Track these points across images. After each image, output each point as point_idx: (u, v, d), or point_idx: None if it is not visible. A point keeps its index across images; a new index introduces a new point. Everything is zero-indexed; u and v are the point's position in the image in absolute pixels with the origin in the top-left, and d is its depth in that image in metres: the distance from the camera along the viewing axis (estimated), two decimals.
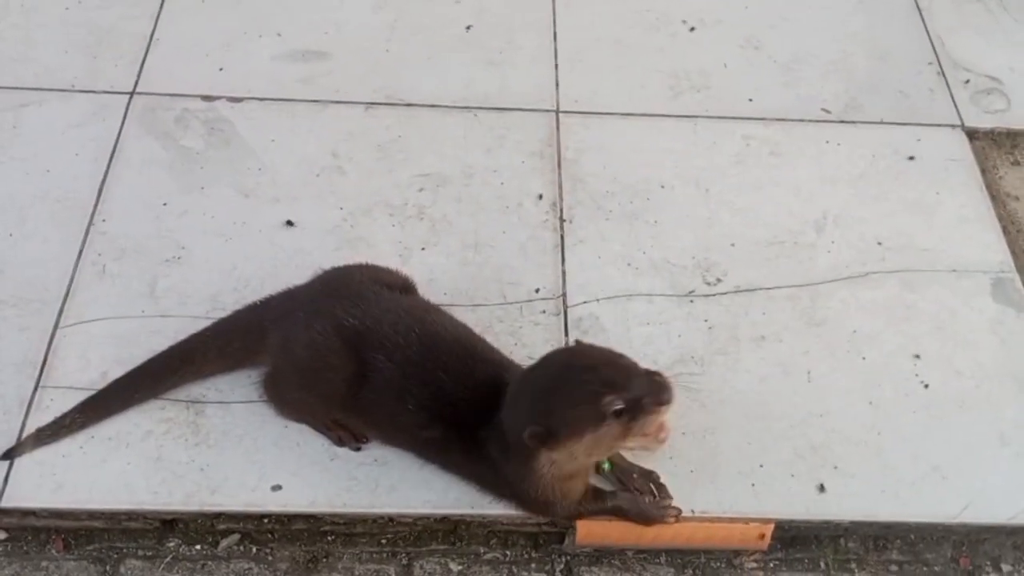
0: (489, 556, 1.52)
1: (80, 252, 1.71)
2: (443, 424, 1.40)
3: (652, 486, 1.48)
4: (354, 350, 1.42)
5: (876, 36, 2.21)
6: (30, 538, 1.49)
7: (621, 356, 1.32)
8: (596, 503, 1.45)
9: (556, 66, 2.09)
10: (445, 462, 1.47)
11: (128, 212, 1.77)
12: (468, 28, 2.15)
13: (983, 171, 1.98)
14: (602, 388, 1.27)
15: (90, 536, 1.50)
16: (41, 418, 1.51)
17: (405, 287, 1.57)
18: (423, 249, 1.77)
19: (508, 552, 1.53)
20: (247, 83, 1.99)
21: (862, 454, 1.56)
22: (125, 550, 1.49)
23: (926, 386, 1.64)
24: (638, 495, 1.46)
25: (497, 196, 1.86)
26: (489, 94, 2.02)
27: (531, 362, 1.58)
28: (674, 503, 1.47)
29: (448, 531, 1.52)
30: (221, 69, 2.01)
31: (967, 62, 2.16)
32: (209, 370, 1.57)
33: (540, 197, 1.86)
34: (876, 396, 1.62)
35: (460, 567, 1.51)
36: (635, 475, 1.48)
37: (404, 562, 1.51)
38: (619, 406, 1.27)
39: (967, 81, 2.12)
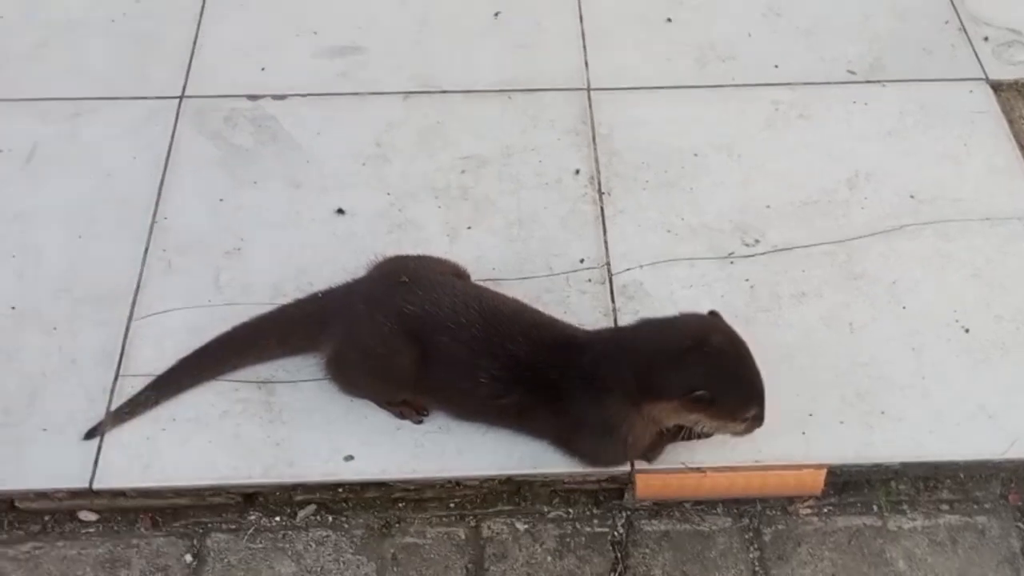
0: (553, 515, 1.59)
1: (146, 249, 1.79)
2: (518, 389, 1.47)
3: None
4: (418, 335, 1.49)
5: None
6: (119, 518, 1.58)
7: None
8: (656, 450, 1.53)
9: (584, 46, 2.15)
10: (520, 425, 1.53)
11: (188, 209, 1.86)
12: (496, 15, 2.21)
13: (1010, 122, 2.02)
14: (758, 397, 1.42)
15: (176, 513, 1.58)
16: None
17: (458, 274, 1.64)
18: (469, 228, 1.84)
19: (571, 510, 1.59)
20: (289, 81, 2.07)
21: (908, 398, 1.61)
22: (210, 524, 1.58)
23: (967, 331, 1.69)
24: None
25: (536, 173, 1.92)
26: (521, 77, 2.08)
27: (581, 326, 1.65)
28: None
29: (512, 492, 1.59)
30: (263, 69, 2.09)
31: (986, 17, 2.20)
32: (270, 355, 1.65)
33: (578, 172, 1.93)
34: (919, 343, 1.67)
35: (526, 526, 1.58)
36: None
37: (472, 524, 1.58)
38: (754, 416, 1.43)
39: (986, 38, 2.15)
